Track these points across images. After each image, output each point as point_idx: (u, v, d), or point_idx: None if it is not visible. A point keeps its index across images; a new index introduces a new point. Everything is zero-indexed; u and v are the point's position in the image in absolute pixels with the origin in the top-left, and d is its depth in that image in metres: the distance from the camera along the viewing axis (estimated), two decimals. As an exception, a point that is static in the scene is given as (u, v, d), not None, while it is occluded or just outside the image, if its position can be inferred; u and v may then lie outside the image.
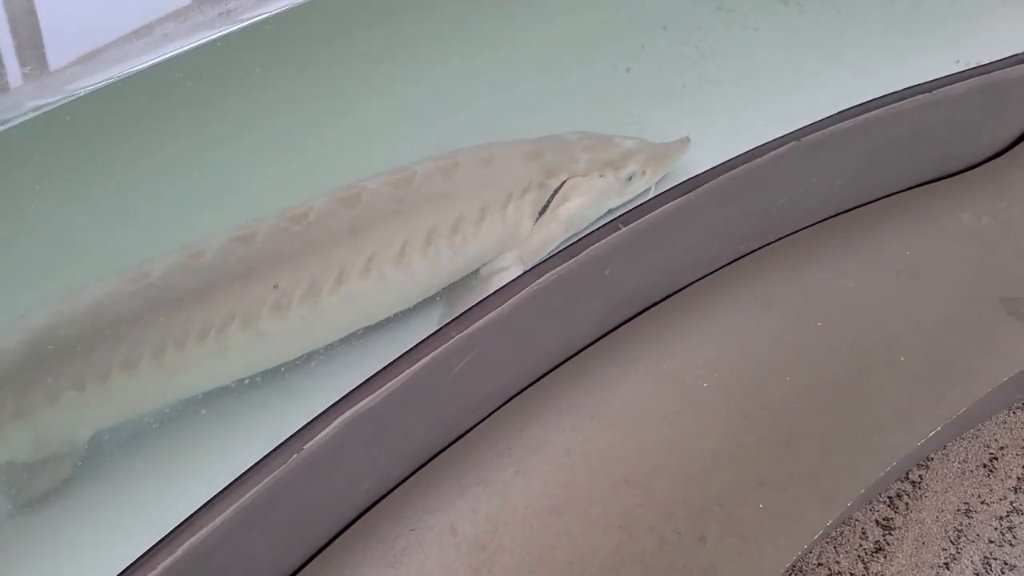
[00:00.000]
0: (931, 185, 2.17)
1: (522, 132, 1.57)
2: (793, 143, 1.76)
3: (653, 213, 1.60)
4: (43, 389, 1.19)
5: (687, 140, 1.75)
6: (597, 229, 1.57)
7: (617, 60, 1.79)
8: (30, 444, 1.23)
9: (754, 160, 1.73)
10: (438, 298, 1.53)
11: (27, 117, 1.08)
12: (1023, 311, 1.89)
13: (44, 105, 1.05)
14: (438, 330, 1.39)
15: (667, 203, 1.62)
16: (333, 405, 1.28)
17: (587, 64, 1.74)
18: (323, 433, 1.27)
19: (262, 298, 1.29)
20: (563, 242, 1.66)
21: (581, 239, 1.55)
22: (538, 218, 1.54)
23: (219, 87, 1.41)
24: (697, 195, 1.66)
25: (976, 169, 2.22)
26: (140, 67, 1.17)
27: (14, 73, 1.21)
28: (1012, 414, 2.03)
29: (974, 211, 2.09)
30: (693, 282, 1.88)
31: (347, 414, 1.29)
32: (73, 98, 1.10)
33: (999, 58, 2.04)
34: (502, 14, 1.42)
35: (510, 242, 1.53)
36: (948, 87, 1.94)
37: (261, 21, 1.23)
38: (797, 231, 2.00)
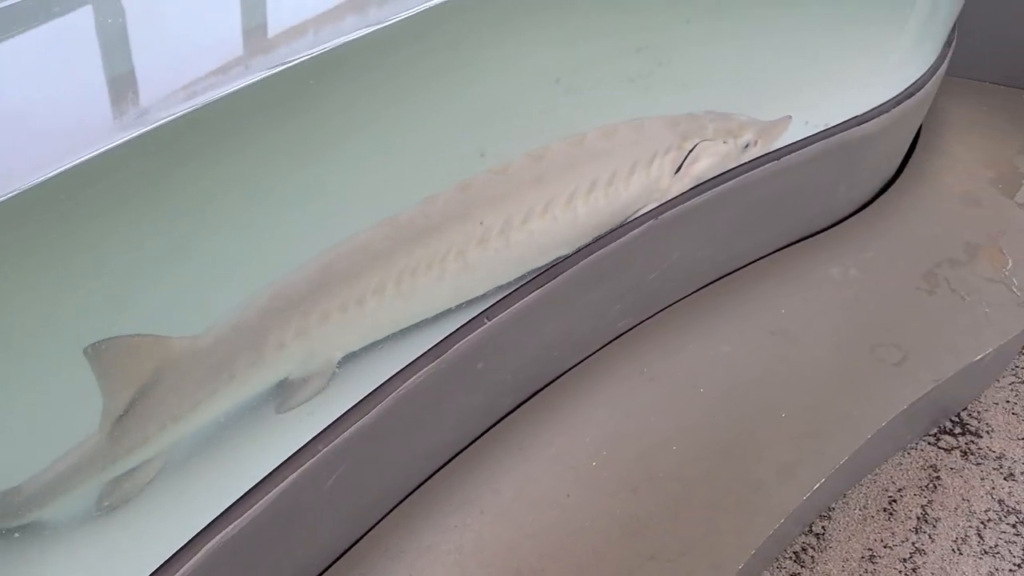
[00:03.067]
0: (799, 244, 2.27)
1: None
2: (651, 221, 1.85)
3: (517, 304, 1.66)
4: (318, 311, 1.47)
5: (789, 117, 2.05)
6: (463, 326, 1.62)
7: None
8: (302, 362, 1.50)
9: (615, 241, 1.81)
10: None
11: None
12: (894, 356, 1.97)
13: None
14: (305, 445, 1.41)
15: (530, 293, 1.68)
16: (198, 534, 1.29)
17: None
18: (190, 562, 1.27)
19: (472, 233, 1.61)
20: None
21: (448, 337, 1.60)
22: (675, 173, 1.89)
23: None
24: (561, 281, 1.73)
25: (841, 224, 2.34)
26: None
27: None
28: (906, 455, 2.09)
29: (842, 264, 2.19)
30: (576, 364, 1.94)
31: (215, 541, 1.30)
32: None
33: (845, 119, 2.18)
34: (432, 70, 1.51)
35: (652, 194, 1.88)
36: (796, 152, 2.06)
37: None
38: (673, 303, 2.07)
